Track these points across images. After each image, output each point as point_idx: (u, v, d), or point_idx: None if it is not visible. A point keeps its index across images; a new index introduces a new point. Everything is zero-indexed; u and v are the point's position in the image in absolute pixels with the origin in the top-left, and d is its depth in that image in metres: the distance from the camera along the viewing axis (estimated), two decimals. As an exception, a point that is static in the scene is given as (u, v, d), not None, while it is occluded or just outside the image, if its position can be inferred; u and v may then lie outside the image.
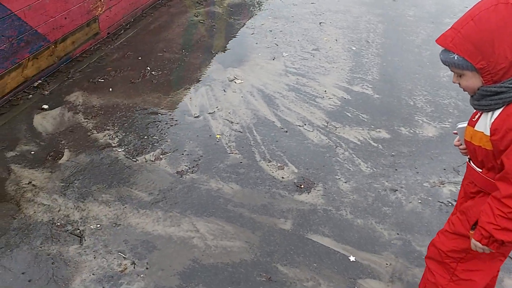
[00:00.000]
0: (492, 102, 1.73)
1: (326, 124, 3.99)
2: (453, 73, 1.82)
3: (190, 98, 4.35)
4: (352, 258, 2.73)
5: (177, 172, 3.37)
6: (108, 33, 5.62)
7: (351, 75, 4.86)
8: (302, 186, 3.26)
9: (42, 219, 2.92)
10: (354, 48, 5.49)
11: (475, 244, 1.86)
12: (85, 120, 3.93)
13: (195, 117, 4.06)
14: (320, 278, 2.60)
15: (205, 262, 2.67)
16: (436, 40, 1.76)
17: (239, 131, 3.87)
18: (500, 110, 1.74)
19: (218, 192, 3.19)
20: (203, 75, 4.78)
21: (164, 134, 3.80)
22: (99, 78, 4.63)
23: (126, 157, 3.51)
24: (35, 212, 2.97)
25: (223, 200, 3.13)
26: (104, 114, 4.03)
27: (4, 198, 3.08)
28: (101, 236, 2.82)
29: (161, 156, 3.54)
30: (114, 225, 2.90)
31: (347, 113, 4.17)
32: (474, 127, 1.87)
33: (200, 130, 3.88)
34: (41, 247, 2.73)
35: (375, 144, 3.75)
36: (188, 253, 2.72)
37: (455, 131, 2.06)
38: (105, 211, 3.00)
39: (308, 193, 3.20)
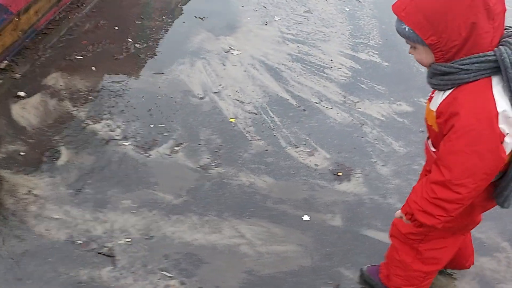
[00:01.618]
0: (442, 82, 1.59)
1: (344, 99, 3.73)
2: None
3: (188, 75, 3.89)
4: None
5: (200, 167, 3.01)
6: (72, -2, 4.89)
7: (353, 41, 4.57)
8: (340, 173, 3.02)
9: (59, 238, 2.49)
10: (347, 9, 5.17)
11: (401, 215, 1.85)
12: (74, 109, 3.40)
13: (200, 98, 3.63)
14: (388, 279, 2.42)
15: (261, 273, 2.40)
16: (391, 6, 1.57)
17: (254, 113, 3.52)
18: (449, 92, 1.59)
19: (252, 188, 2.88)
20: (194, 46, 4.29)
21: (171, 120, 3.37)
22: (76, 55, 4.01)
23: (137, 152, 3.07)
24: (47, 230, 2.52)
25: (260, 196, 2.83)
26: (94, 99, 3.50)
27: (3, 214, 2.58)
28: (135, 253, 2.45)
29: (176, 148, 3.13)
30: (146, 237, 2.53)
31: (362, 85, 3.92)
32: (429, 104, 1.75)
33: (210, 113, 3.48)
34: (67, 274, 2.32)
35: (401, 120, 3.56)
36: (240, 264, 2.43)
37: None
38: (131, 221, 2.61)
39: (348, 181, 2.97)
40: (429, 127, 1.78)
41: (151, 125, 3.30)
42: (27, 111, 3.34)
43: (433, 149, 1.82)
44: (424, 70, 4.16)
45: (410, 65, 4.26)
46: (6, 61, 3.85)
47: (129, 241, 2.50)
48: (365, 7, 5.25)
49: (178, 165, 3.01)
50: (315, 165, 3.08)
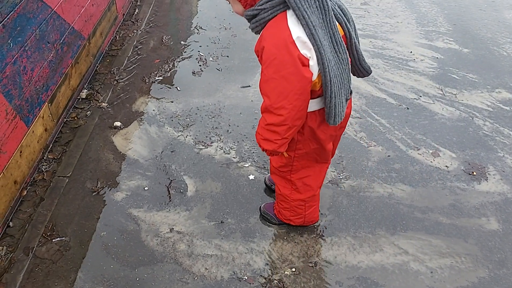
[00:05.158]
0: (253, 26, 1.79)
1: (442, 93, 3.64)
2: None
3: (275, 84, 3.75)
4: None
5: (330, 182, 2.90)
6: (124, 14, 4.72)
7: (423, 29, 4.47)
8: (475, 173, 2.94)
9: (222, 276, 2.38)
10: (403, -3, 5.05)
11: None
12: (178, 134, 3.26)
13: (297, 107, 3.50)
14: None
15: (442, 289, 2.32)
16: None
17: (357, 117, 3.42)
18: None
19: (393, 199, 2.79)
20: (268, 53, 4.14)
21: (280, 135, 3.25)
22: (155, 76, 3.86)
23: (260, 173, 2.95)
24: (206, 269, 2.41)
25: (405, 207, 2.74)
26: (194, 122, 3.37)
27: (154, 256, 2.46)
28: (306, 283, 2.35)
29: (297, 164, 3.02)
30: (310, 264, 2.43)
31: (453, 75, 3.83)
32: None
33: (315, 122, 3.36)
34: (247, 314, 2.22)
35: (508, 108, 3.49)
36: (417, 284, 2.34)
37: None
38: (287, 248, 2.51)
39: (486, 180, 2.90)
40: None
41: (263, 143, 3.18)
42: (131, 142, 3.19)
43: None
44: (506, 53, 4.09)
45: (490, 49, 4.17)
46: (85, 90, 3.69)
47: (294, 271, 2.40)
48: (420, -8, 5.14)
49: (307, 182, 2.89)
50: (446, 166, 2.99)
